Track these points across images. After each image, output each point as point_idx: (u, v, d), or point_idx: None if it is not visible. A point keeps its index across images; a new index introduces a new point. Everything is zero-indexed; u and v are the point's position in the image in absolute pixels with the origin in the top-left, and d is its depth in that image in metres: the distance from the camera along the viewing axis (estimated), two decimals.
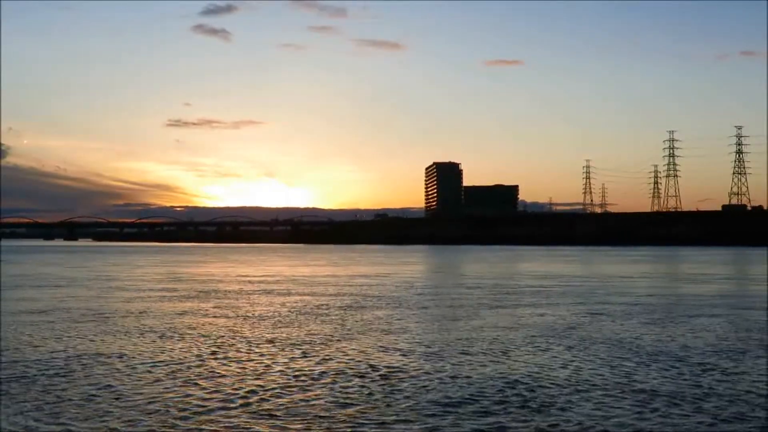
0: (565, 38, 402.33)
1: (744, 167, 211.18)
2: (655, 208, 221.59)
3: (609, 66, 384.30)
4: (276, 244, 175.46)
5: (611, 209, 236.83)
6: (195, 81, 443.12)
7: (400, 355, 13.29)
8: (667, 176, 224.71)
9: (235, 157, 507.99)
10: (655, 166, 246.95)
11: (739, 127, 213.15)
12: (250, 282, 35.41)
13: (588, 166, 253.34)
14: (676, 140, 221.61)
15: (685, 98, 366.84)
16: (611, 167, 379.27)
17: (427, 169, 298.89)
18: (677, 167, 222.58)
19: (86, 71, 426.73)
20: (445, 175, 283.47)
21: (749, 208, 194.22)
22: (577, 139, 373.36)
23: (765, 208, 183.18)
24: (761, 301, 24.30)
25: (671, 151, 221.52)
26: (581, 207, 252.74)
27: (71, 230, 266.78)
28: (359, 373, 11.55)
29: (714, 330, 16.69)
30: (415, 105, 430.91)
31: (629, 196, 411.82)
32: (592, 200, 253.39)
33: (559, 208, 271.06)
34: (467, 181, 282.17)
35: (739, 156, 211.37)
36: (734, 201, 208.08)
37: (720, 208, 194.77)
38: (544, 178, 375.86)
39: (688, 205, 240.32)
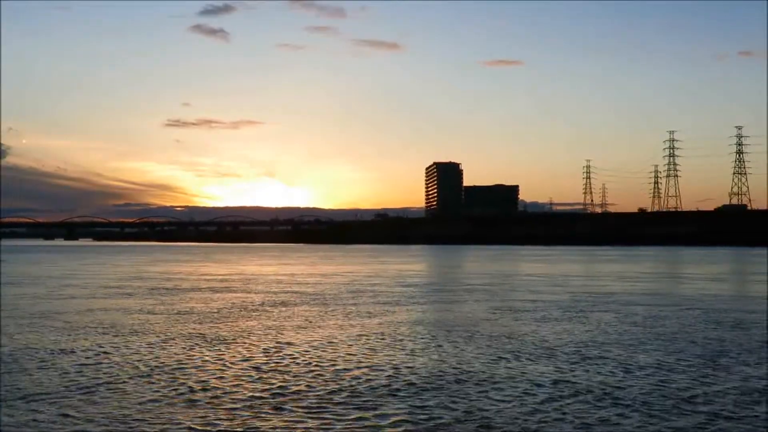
0: (565, 38, 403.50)
1: (744, 167, 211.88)
2: (656, 208, 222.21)
3: (609, 66, 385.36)
4: (274, 244, 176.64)
5: (611, 209, 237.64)
6: (194, 81, 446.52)
7: (292, 349, 14.10)
8: (667, 176, 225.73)
9: (235, 157, 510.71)
10: (655, 166, 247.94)
11: (739, 127, 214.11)
12: (205, 280, 36.47)
13: (588, 166, 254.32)
14: (676, 140, 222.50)
15: (685, 98, 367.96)
16: (611, 167, 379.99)
17: (427, 169, 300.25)
18: (677, 167, 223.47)
19: (86, 71, 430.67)
20: (445, 175, 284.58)
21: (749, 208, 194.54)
22: (577, 139, 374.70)
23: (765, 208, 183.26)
24: (677, 298, 25.19)
25: (671, 151, 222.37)
26: (581, 207, 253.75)
27: (71, 230, 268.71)
28: (250, 367, 12.43)
29: (605, 325, 17.65)
30: (415, 105, 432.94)
31: (629, 196, 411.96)
32: (592, 200, 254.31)
33: (559, 208, 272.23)
34: (467, 181, 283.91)
35: (739, 156, 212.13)
36: (734, 201, 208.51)
37: (720, 208, 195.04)
38: (544, 178, 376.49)
39: (688, 205, 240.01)
